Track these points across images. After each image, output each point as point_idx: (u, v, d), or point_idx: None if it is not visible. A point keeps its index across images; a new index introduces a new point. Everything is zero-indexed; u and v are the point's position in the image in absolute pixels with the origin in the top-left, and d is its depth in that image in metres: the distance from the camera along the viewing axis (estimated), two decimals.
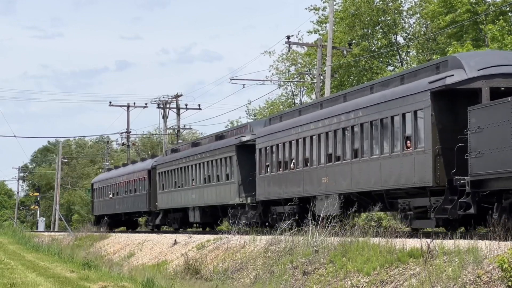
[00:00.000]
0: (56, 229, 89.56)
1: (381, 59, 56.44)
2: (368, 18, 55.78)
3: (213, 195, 39.88)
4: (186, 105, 69.18)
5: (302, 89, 65.44)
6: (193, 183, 42.86)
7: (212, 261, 28.54)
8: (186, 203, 43.97)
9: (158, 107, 69.50)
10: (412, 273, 18.03)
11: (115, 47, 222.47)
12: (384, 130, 25.48)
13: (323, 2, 58.64)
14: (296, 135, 31.64)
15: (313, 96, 55.52)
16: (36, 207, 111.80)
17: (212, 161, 40.29)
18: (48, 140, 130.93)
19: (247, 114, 73.58)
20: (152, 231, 50.21)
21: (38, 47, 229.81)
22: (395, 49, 56.74)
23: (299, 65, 64.06)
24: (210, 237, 33.36)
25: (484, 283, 15.75)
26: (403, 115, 24.35)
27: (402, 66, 55.82)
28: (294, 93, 68.78)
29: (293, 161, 31.93)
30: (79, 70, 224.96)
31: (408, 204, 24.87)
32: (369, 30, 56.73)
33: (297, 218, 29.41)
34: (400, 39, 58.20)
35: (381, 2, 56.11)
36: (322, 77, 47.37)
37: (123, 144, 78.81)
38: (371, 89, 27.45)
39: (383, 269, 19.08)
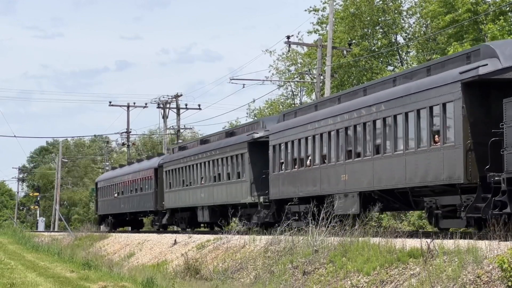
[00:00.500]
0: (56, 229, 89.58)
1: (381, 59, 56.42)
2: (368, 18, 55.78)
3: (224, 194, 38.73)
4: (186, 105, 69.27)
5: (302, 89, 65.43)
6: (202, 182, 41.72)
7: (212, 261, 28.52)
8: (195, 202, 42.77)
9: (158, 107, 69.55)
10: (412, 273, 18.02)
11: (115, 47, 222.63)
12: (409, 124, 24.15)
13: (323, 3, 58.68)
14: (313, 131, 30.26)
15: (313, 96, 55.51)
16: (36, 207, 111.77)
17: (222, 158, 39.06)
18: (47, 140, 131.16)
19: (247, 114, 73.57)
20: (158, 231, 49.20)
21: (38, 47, 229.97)
22: (395, 49, 56.73)
23: (299, 65, 64.06)
24: (210, 237, 33.34)
25: (484, 283, 15.74)
26: (431, 108, 23.07)
27: (402, 66, 55.80)
28: (294, 93, 68.78)
29: (310, 158, 30.65)
30: (79, 70, 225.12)
31: (435, 202, 23.65)
32: (369, 30, 56.71)
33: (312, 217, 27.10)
34: (400, 39, 58.24)
35: (381, 2, 56.10)
36: (322, 77, 47.36)
37: (123, 144, 78.80)
38: (393, 81, 26.18)
39: (383, 269, 19.07)
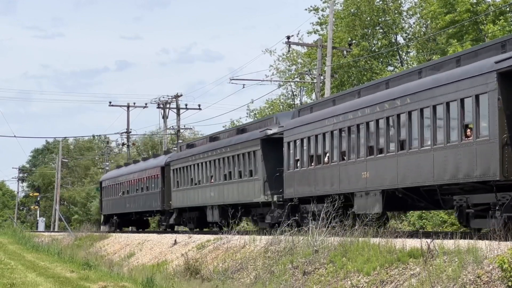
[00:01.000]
0: (56, 229, 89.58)
1: (381, 59, 56.43)
2: (368, 18, 55.80)
3: (235, 192, 37.23)
4: (186, 105, 69.33)
5: (302, 89, 65.41)
6: (212, 180, 40.25)
7: (212, 261, 28.51)
8: (204, 201, 41.15)
9: (158, 107, 69.62)
10: (412, 273, 18.02)
11: (115, 47, 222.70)
12: (437, 118, 22.71)
13: (323, 2, 58.70)
14: (331, 126, 28.81)
15: (313, 97, 55.51)
16: (36, 207, 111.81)
17: (233, 156, 37.52)
18: (46, 140, 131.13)
19: (247, 114, 73.55)
20: (165, 231, 47.97)
21: (38, 47, 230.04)
22: (395, 49, 56.73)
23: (299, 65, 64.06)
24: (210, 237, 33.32)
25: (484, 283, 15.74)
26: (461, 100, 21.58)
27: (402, 66, 55.80)
28: (294, 93, 68.78)
29: (327, 154, 29.25)
30: (79, 70, 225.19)
31: (466, 201, 22.15)
32: (369, 30, 56.73)
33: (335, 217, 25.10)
34: (400, 39, 58.25)
35: (381, 2, 56.12)
36: (322, 77, 47.37)
37: (123, 144, 78.83)
38: (419, 73, 24.78)
39: (383, 269, 19.07)
